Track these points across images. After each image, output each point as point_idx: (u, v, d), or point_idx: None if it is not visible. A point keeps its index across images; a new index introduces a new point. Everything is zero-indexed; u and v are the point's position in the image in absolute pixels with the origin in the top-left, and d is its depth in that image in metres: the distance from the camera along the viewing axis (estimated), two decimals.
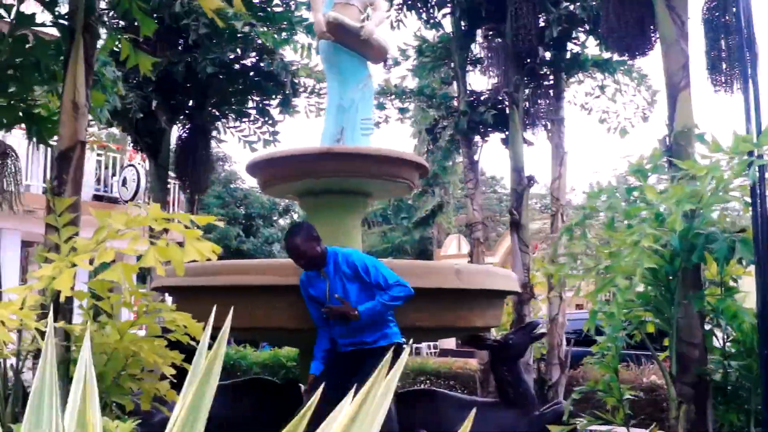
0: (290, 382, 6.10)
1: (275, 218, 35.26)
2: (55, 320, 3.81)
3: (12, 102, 3.98)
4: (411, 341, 4.62)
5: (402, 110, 8.89)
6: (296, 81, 7.35)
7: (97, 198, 15.05)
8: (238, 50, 7.01)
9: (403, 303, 4.24)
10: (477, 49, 8.38)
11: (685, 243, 3.78)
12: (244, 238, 30.66)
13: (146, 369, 4.17)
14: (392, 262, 4.72)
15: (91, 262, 3.56)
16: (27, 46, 3.88)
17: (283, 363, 9.05)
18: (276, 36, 7.04)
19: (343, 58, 6.05)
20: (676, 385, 4.13)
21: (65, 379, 3.77)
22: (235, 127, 8.35)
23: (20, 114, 4.03)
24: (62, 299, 3.26)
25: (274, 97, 7.86)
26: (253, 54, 7.28)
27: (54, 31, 4.29)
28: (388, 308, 4.24)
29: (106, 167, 15.05)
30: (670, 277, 3.95)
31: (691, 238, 3.83)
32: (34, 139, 4.25)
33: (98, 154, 14.51)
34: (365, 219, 33.54)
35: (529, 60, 7.77)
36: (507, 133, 8.04)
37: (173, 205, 13.84)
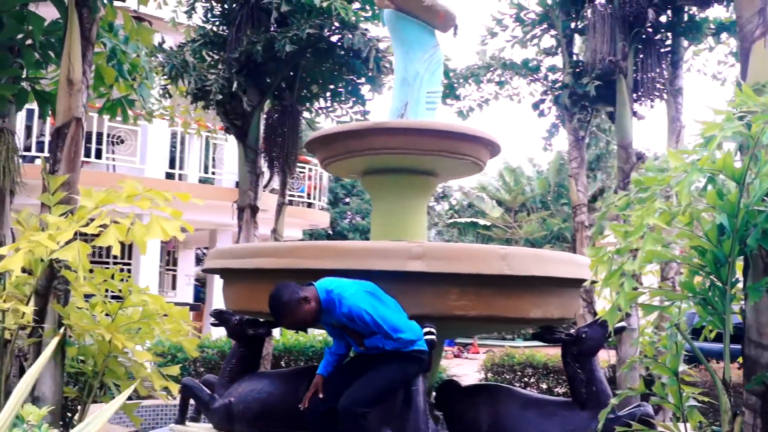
0: None
1: (430, 203, 35.24)
2: (46, 303, 3.79)
3: (16, 80, 3.97)
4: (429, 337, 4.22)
5: (500, 84, 8.31)
6: (381, 56, 7.03)
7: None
8: (317, 27, 6.78)
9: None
10: (583, 14, 7.64)
11: (735, 223, 3.11)
12: None
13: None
14: (423, 244, 4.33)
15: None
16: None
17: None
18: (356, 10, 6.79)
19: (406, 27, 5.67)
20: (742, 393, 3.47)
21: (57, 357, 3.74)
22: (327, 107, 8.19)
23: (30, 93, 4.02)
24: (11, 280, 3.18)
25: (363, 74, 7.60)
26: (336, 29, 7.05)
27: None
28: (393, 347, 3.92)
29: None
30: (721, 265, 3.27)
31: (746, 217, 3.16)
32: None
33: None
34: (524, 204, 32.75)
35: (637, 25, 6.98)
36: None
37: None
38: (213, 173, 15.53)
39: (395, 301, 4.06)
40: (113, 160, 14.15)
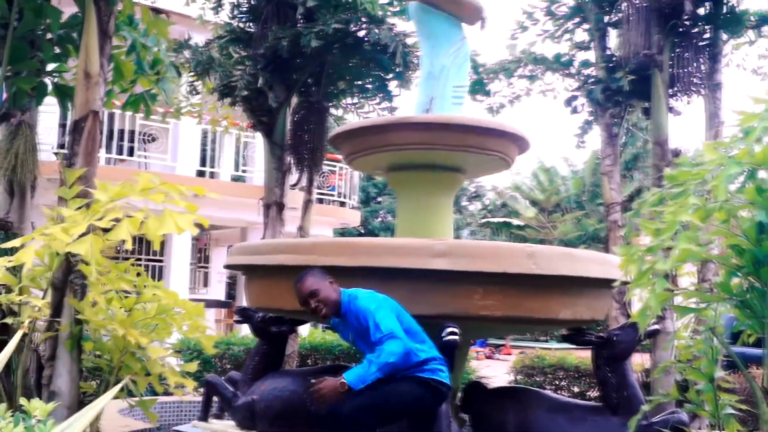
0: None
1: (463, 203, 35.04)
2: (62, 297, 3.74)
3: (37, 73, 3.93)
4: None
5: (530, 78, 8.12)
6: (408, 52, 6.90)
7: None
8: (343, 22, 6.67)
9: (401, 361, 3.52)
10: (618, 7, 7.43)
11: None
12: None
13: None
14: (447, 241, 4.20)
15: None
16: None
17: None
18: (383, 5, 6.67)
19: (432, 20, 5.55)
20: None
21: (73, 352, 3.69)
22: (354, 104, 8.09)
23: (50, 86, 3.99)
24: (25, 273, 3.13)
25: (390, 70, 7.48)
26: (362, 24, 6.94)
27: None
28: (383, 370, 3.47)
29: None
30: (761, 265, 3.08)
31: None
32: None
33: None
34: (558, 205, 32.33)
35: (674, 18, 6.76)
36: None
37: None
38: (244, 171, 15.52)
39: (416, 323, 3.81)
40: (146, 158, 14.22)
